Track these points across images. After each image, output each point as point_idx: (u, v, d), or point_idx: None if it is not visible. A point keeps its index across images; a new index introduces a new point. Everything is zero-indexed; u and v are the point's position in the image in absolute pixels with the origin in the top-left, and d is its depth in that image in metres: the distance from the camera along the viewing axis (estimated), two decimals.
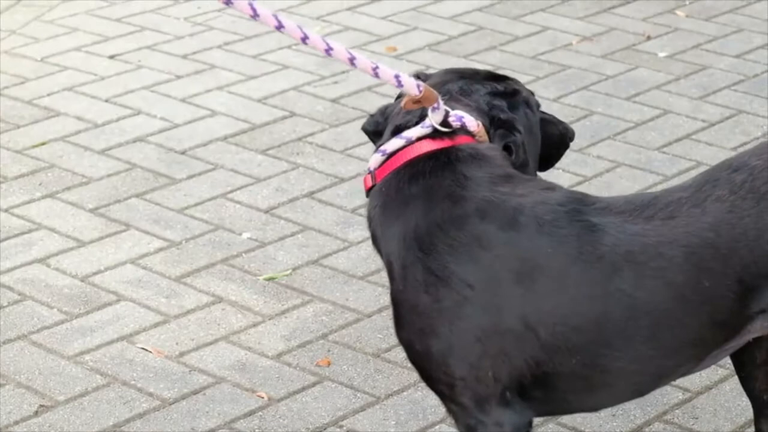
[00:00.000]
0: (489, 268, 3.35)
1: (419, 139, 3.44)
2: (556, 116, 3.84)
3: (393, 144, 3.45)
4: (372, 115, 3.71)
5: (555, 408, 3.56)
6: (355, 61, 3.30)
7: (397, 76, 3.32)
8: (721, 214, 3.40)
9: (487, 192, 3.38)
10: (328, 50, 3.28)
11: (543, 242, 3.34)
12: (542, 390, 3.43)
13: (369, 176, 3.51)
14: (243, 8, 3.22)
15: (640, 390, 3.55)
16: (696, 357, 3.49)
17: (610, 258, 3.34)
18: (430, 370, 3.45)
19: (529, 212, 3.35)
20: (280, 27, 3.24)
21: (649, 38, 7.09)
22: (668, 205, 3.43)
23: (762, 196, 3.40)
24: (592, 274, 3.34)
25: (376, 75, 3.34)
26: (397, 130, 3.49)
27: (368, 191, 3.53)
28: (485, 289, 3.35)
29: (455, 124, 3.44)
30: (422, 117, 3.45)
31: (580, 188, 5.48)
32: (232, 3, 3.20)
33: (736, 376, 4.48)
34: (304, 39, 3.26)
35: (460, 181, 3.39)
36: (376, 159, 3.48)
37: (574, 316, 3.36)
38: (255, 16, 3.24)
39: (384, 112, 3.66)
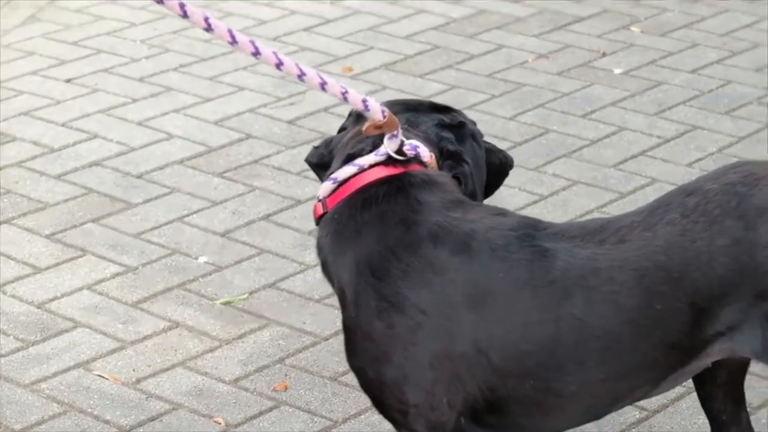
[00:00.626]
0: (442, 293, 3.36)
1: (372, 166, 3.44)
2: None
3: (345, 171, 3.45)
4: (316, 147, 3.71)
5: None
6: (326, 86, 3.29)
7: (364, 101, 3.33)
8: (672, 237, 3.39)
9: (439, 217, 3.38)
10: (301, 76, 3.29)
11: (495, 267, 3.35)
12: (496, 415, 3.43)
13: (319, 204, 3.50)
14: (226, 36, 3.23)
15: (595, 413, 3.55)
16: (651, 381, 3.48)
17: (561, 282, 3.34)
18: (383, 398, 3.44)
19: (482, 237, 3.36)
20: (256, 54, 3.25)
21: (604, 55, 7.10)
22: (620, 230, 3.43)
23: (714, 220, 3.39)
24: (543, 298, 3.34)
25: (345, 99, 3.34)
26: (349, 158, 3.48)
27: (318, 219, 3.53)
28: (438, 315, 3.36)
29: (410, 153, 3.44)
30: (374, 146, 3.45)
31: (536, 207, 5.54)
32: (211, 29, 3.17)
33: (692, 395, 4.50)
34: (279, 65, 3.27)
35: (413, 206, 3.40)
36: (326, 187, 3.48)
37: (525, 340, 3.36)
38: (233, 42, 3.24)
39: (329, 144, 3.65)
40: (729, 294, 3.39)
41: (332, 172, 3.49)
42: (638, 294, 3.36)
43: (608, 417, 4.43)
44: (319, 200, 3.50)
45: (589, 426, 4.37)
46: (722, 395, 3.88)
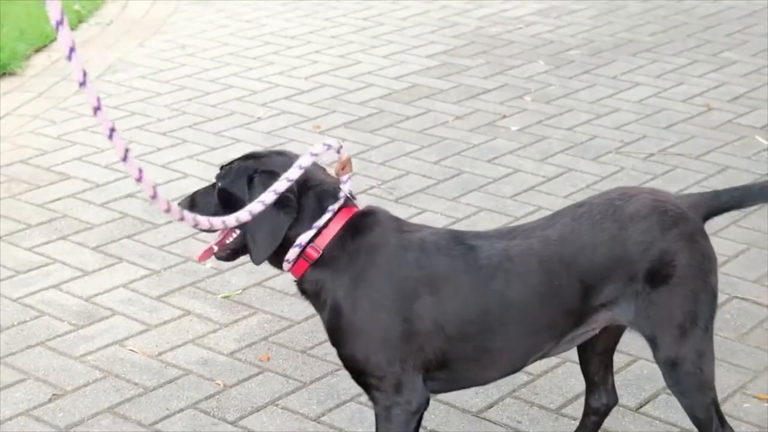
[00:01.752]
0: (413, 287, 3.41)
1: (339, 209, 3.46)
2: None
3: (323, 219, 3.42)
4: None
5: (453, 385, 3.59)
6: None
7: (327, 145, 3.41)
8: (565, 233, 3.51)
9: (401, 235, 3.47)
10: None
11: (442, 260, 3.42)
12: (445, 372, 3.49)
13: (307, 253, 3.45)
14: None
15: (514, 365, 3.59)
16: (554, 338, 3.55)
17: (487, 268, 3.42)
18: (367, 372, 3.47)
19: (430, 241, 3.44)
20: (124, 159, 2.96)
21: (504, 117, 7.12)
22: (526, 231, 3.57)
23: (596, 222, 3.52)
24: (476, 280, 3.43)
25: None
26: (321, 206, 3.43)
27: (314, 263, 3.45)
28: (411, 303, 3.40)
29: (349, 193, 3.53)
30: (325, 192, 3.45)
31: (453, 227, 5.52)
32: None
33: (566, 364, 4.53)
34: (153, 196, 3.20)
35: (384, 233, 3.46)
36: (307, 235, 3.41)
37: (467, 312, 3.44)
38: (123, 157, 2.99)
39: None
40: (608, 276, 3.50)
41: (313, 220, 3.42)
42: (541, 274, 3.46)
43: (504, 380, 4.45)
44: (301, 248, 3.43)
45: (489, 387, 4.40)
46: (598, 361, 3.90)
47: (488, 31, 8.77)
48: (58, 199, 5.92)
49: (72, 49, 2.67)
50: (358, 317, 3.41)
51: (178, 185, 6.11)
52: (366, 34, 8.67)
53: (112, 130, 2.87)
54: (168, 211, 3.10)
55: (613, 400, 3.96)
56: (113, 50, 8.28)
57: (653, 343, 3.58)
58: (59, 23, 2.63)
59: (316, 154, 3.37)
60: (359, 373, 3.47)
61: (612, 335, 3.82)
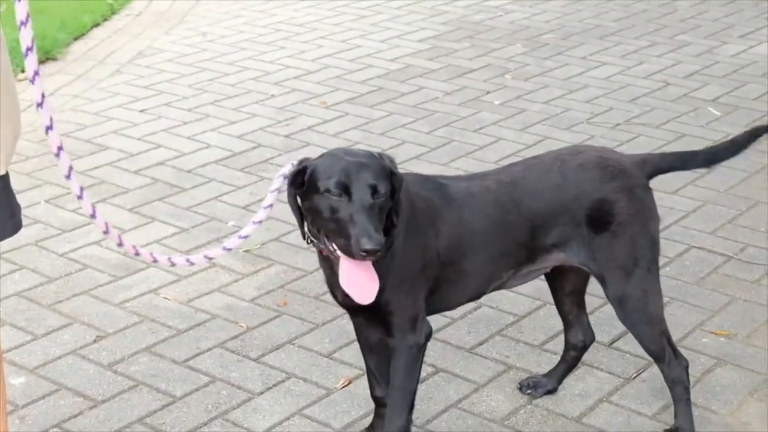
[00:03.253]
0: (425, 227, 3.33)
1: None
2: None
3: None
4: None
5: (431, 310, 3.47)
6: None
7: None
8: (516, 178, 3.51)
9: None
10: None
11: (428, 196, 3.36)
12: (432, 297, 3.41)
13: None
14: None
15: (480, 289, 3.54)
16: (510, 267, 3.51)
17: (458, 201, 3.40)
18: (399, 309, 3.32)
19: (410, 181, 3.34)
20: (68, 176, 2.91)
21: (488, 93, 7.06)
22: (483, 175, 3.59)
23: (544, 171, 3.51)
24: (453, 211, 3.38)
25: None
26: None
27: None
28: (427, 239, 3.33)
29: None
30: None
31: None
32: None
33: (547, 306, 4.50)
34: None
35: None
36: None
37: (452, 238, 3.38)
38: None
39: None
40: (553, 219, 3.48)
41: None
42: (496, 208, 3.44)
43: (492, 320, 4.44)
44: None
45: (479, 326, 4.39)
46: (569, 301, 3.88)
47: (472, 18, 8.70)
48: (97, 168, 5.86)
49: (29, 49, 2.63)
50: (401, 259, 3.28)
51: (202, 154, 6.06)
52: (365, 22, 8.59)
53: (60, 148, 2.82)
54: (106, 232, 3.11)
55: (590, 337, 3.94)
56: (142, 38, 8.20)
57: (602, 282, 3.56)
58: (23, 23, 2.60)
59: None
60: (387, 314, 3.33)
61: (576, 278, 3.79)
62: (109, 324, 4.42)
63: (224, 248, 3.44)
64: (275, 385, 4.03)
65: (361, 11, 8.89)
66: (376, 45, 8.02)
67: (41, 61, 7.43)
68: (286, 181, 3.23)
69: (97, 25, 8.45)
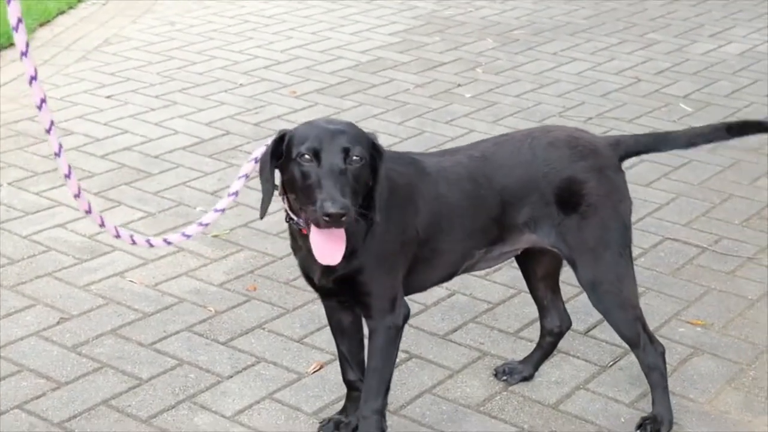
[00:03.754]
0: (404, 203, 3.22)
1: None
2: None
3: None
4: None
5: (405, 292, 3.34)
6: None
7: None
8: (486, 153, 3.42)
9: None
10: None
11: (404, 171, 3.25)
12: (406, 277, 3.30)
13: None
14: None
15: (453, 267, 3.43)
16: (482, 245, 3.41)
17: (432, 175, 3.29)
18: (378, 289, 3.21)
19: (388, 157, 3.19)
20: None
21: (459, 86, 6.97)
22: (453, 150, 3.49)
23: (514, 147, 3.43)
24: (429, 185, 3.28)
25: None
26: None
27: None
28: (410, 216, 3.24)
29: None
30: None
31: None
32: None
33: (521, 294, 4.41)
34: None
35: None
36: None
37: (429, 214, 3.28)
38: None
39: None
40: (525, 195, 3.38)
41: None
42: (469, 181, 3.35)
43: (466, 307, 4.34)
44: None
45: (453, 312, 4.28)
46: (543, 286, 3.79)
47: (442, 14, 8.62)
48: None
49: (24, 53, 2.77)
50: (383, 238, 3.18)
51: (170, 140, 5.92)
52: (334, 15, 8.49)
53: (52, 123, 2.94)
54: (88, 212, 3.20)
55: (567, 323, 3.85)
56: (109, 26, 8.04)
57: (573, 265, 3.47)
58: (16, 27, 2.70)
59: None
60: (365, 295, 3.21)
61: (548, 262, 3.71)
62: (73, 306, 4.27)
63: (183, 234, 3.37)
64: (244, 369, 3.91)
65: (330, 4, 8.78)
66: (346, 37, 7.91)
67: (4, 47, 7.27)
68: (264, 156, 3.11)
69: (62, 12, 8.29)
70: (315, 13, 8.51)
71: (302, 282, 4.43)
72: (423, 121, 6.33)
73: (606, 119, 6.45)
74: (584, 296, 4.37)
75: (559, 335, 3.85)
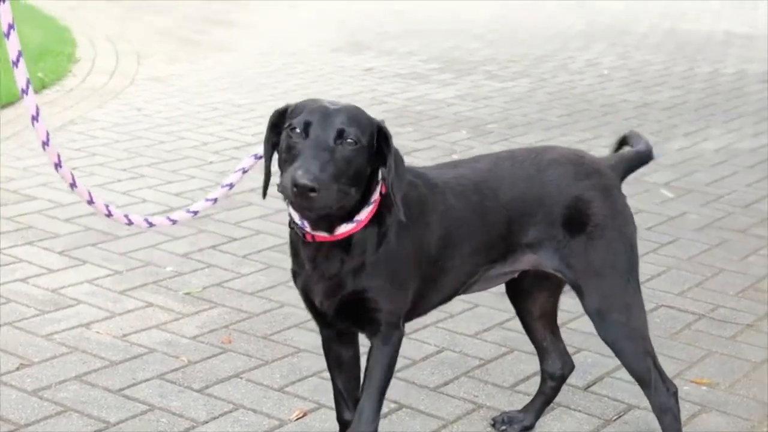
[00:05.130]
0: (418, 217, 2.97)
1: None
2: None
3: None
4: None
5: (413, 314, 3.11)
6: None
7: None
8: (490, 167, 3.21)
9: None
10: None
11: (419, 182, 3.02)
12: (414, 298, 3.04)
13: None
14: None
15: (455, 288, 3.19)
16: (485, 262, 3.16)
17: (440, 186, 3.07)
18: (388, 307, 2.95)
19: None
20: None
21: None
22: (456, 164, 3.27)
23: (517, 162, 3.23)
24: (438, 198, 3.06)
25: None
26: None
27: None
28: (425, 231, 3.01)
29: None
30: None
31: None
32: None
33: (516, 352, 4.16)
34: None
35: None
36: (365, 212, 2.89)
37: (440, 229, 3.04)
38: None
39: None
40: (531, 213, 3.17)
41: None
42: (476, 192, 3.12)
43: (457, 363, 4.08)
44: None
45: (444, 368, 4.02)
46: (540, 327, 3.55)
47: (414, 109, 8.51)
48: (24, 215, 5.44)
49: (17, 59, 2.76)
50: (397, 252, 2.95)
51: (138, 207, 5.67)
52: None
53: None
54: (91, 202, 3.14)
55: (569, 365, 3.60)
56: (74, 110, 7.83)
57: (579, 291, 3.24)
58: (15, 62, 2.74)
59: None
60: (374, 312, 2.95)
61: (545, 300, 3.49)
62: (35, 353, 3.97)
63: (168, 218, 3.26)
64: (222, 416, 3.61)
65: (300, 98, 8.61)
66: None
67: None
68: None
69: None
70: (284, 103, 8.35)
71: (282, 336, 4.22)
72: None
73: None
74: (581, 356, 4.17)
75: (562, 379, 3.59)
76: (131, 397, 3.69)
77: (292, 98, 8.35)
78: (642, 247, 5.43)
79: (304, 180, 2.61)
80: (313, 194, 2.63)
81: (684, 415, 3.79)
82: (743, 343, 4.45)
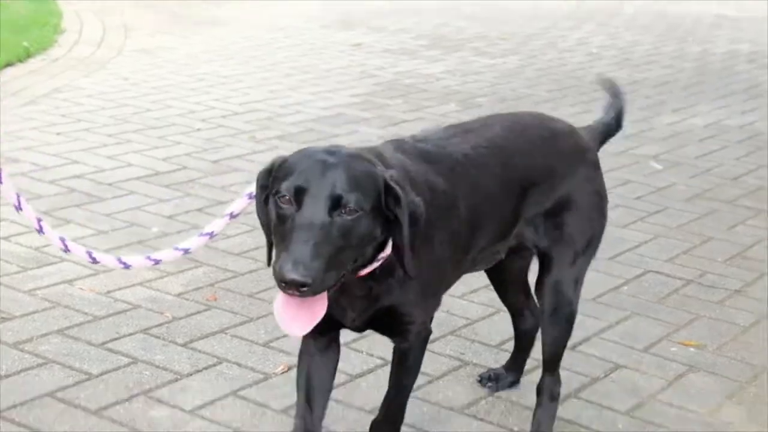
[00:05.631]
0: (446, 214, 2.72)
1: None
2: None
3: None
4: None
5: None
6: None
7: None
8: (504, 132, 3.01)
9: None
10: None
11: (442, 170, 2.76)
12: None
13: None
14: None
15: (467, 268, 2.98)
16: (500, 235, 2.98)
17: (461, 163, 2.81)
18: (421, 314, 2.72)
19: (409, 169, 2.67)
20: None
21: None
22: (465, 129, 2.97)
23: (527, 129, 3.07)
24: (458, 177, 2.79)
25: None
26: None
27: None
28: (455, 224, 2.75)
29: None
30: None
31: None
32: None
33: (503, 312, 4.10)
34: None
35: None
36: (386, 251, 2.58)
37: (468, 213, 2.79)
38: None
39: None
40: (538, 186, 3.00)
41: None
42: (496, 165, 2.91)
43: (441, 320, 4.03)
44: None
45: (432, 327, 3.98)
46: (512, 291, 3.47)
47: (403, 82, 8.46)
48: (10, 176, 5.36)
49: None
50: (433, 262, 2.69)
51: (124, 171, 5.62)
52: (293, 79, 8.28)
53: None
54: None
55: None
56: (60, 78, 7.76)
57: (548, 263, 3.09)
58: None
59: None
60: (406, 324, 2.71)
61: (518, 267, 3.38)
62: (16, 308, 3.92)
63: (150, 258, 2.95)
64: (206, 369, 3.57)
65: (289, 70, 8.59)
66: (306, 96, 7.70)
67: None
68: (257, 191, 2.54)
69: (10, 64, 8.01)
70: (273, 76, 8.31)
71: (267, 294, 4.17)
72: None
73: None
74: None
75: (535, 328, 3.48)
76: (114, 350, 3.64)
77: (281, 71, 8.39)
78: (630, 215, 5.49)
79: (292, 275, 2.25)
80: (304, 289, 2.28)
81: (671, 375, 3.79)
82: (731, 308, 4.42)
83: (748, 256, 5.04)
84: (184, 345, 3.72)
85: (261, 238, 4.74)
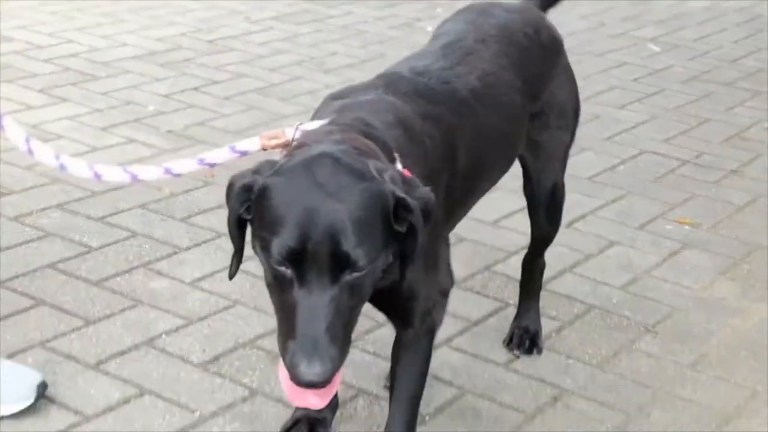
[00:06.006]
0: (441, 158, 2.38)
1: None
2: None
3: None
4: None
5: None
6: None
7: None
8: (498, 47, 2.70)
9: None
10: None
11: (441, 110, 2.44)
12: None
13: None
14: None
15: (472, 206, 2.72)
16: (507, 164, 2.76)
17: (460, 93, 2.50)
18: (426, 290, 2.34)
19: (405, 115, 2.34)
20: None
21: (419, 21, 6.71)
22: (466, 52, 2.63)
23: (513, 28, 2.79)
24: (466, 118, 2.50)
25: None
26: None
27: None
28: (451, 173, 2.41)
29: None
30: None
31: None
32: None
33: (504, 312, 4.03)
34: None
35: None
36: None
37: (468, 156, 2.49)
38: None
39: None
40: (537, 99, 2.78)
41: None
42: (499, 87, 2.62)
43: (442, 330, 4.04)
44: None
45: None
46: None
47: None
48: (4, 54, 5.34)
49: None
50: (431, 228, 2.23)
51: (118, 50, 5.57)
52: None
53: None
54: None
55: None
56: None
57: (539, 174, 2.93)
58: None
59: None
60: (409, 300, 2.33)
61: None
62: (14, 183, 3.93)
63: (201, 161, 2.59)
64: (204, 242, 3.60)
65: None
66: None
67: None
68: (228, 215, 2.03)
69: None
70: None
71: None
72: (383, 48, 6.05)
73: (573, 54, 6.21)
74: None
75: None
76: (113, 224, 3.67)
77: None
78: (626, 96, 5.48)
79: (310, 378, 1.87)
80: (324, 381, 1.90)
81: (666, 252, 3.83)
82: (727, 188, 4.45)
83: (746, 137, 5.05)
84: (182, 219, 3.74)
85: (256, 118, 4.77)
